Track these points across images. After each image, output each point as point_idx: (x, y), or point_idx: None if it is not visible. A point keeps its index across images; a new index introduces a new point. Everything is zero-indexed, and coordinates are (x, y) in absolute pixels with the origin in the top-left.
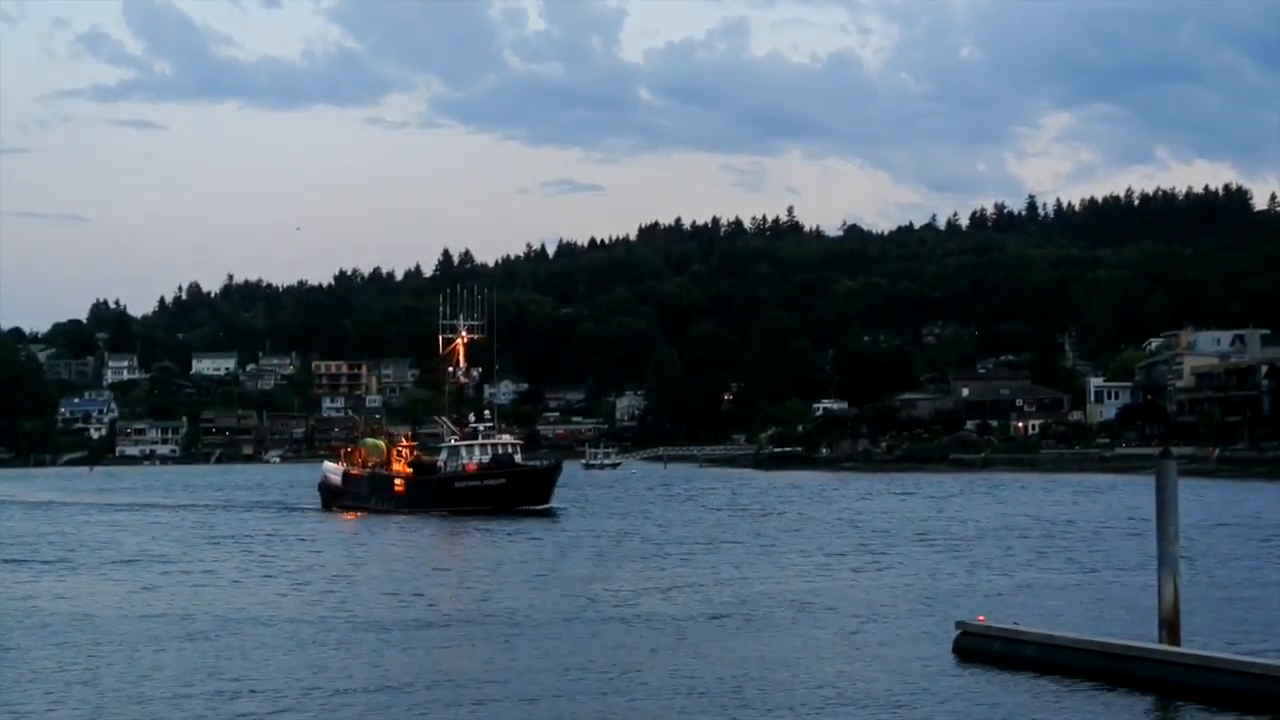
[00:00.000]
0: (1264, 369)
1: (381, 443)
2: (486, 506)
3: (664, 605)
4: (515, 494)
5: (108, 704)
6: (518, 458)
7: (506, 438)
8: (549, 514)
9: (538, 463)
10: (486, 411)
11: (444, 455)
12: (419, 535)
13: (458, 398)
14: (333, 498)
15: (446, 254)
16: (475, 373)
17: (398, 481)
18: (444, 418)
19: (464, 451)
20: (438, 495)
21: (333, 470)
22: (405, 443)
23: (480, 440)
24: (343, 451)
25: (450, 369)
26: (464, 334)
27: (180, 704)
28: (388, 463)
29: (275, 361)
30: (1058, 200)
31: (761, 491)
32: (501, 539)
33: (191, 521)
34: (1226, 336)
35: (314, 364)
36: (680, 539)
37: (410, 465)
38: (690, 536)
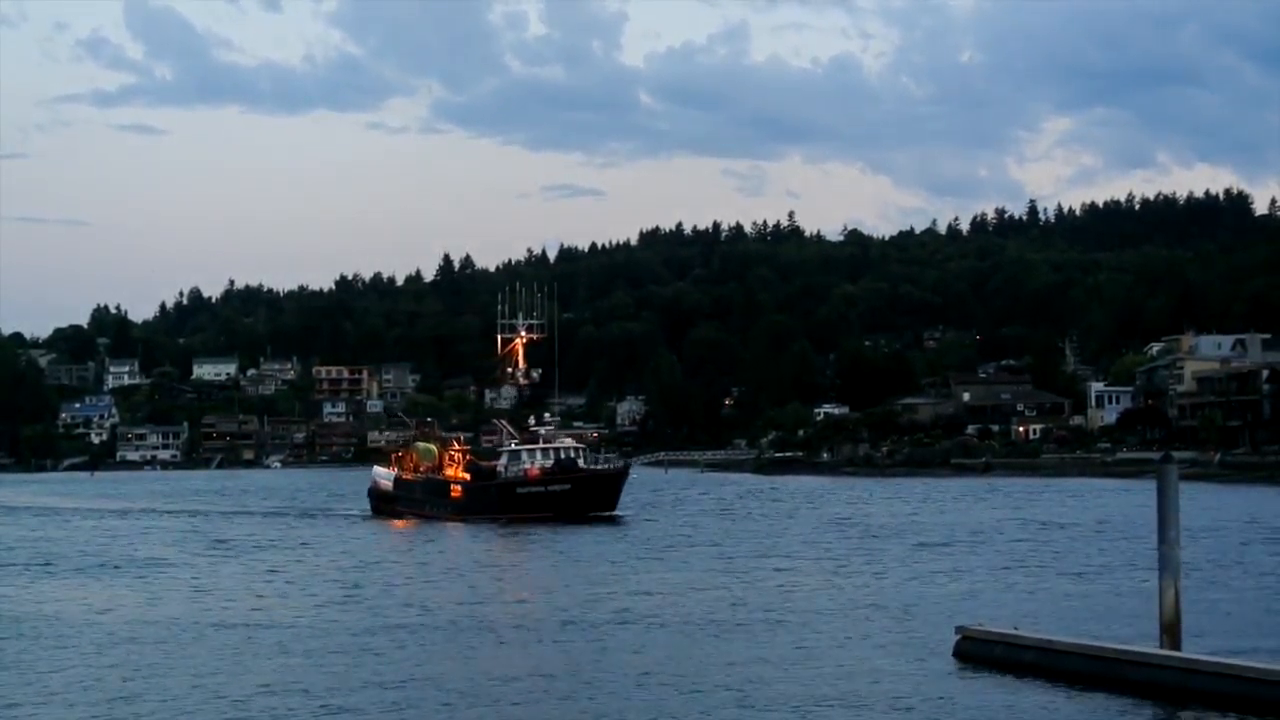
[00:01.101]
0: (1265, 373)
1: (434, 446)
2: (550, 513)
3: (664, 607)
4: (581, 500)
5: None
6: (581, 461)
7: (569, 440)
8: (615, 520)
9: (606, 465)
10: (547, 414)
11: (504, 459)
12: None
13: (517, 401)
14: (383, 503)
15: (447, 258)
16: (535, 374)
17: (455, 487)
18: (503, 421)
19: (525, 455)
20: (498, 501)
21: (383, 475)
22: (458, 446)
23: (542, 444)
24: (394, 456)
25: (509, 370)
26: (523, 333)
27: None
28: (440, 467)
29: (276, 366)
30: (1059, 204)
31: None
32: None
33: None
34: (1227, 340)
35: (315, 368)
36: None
37: (468, 470)
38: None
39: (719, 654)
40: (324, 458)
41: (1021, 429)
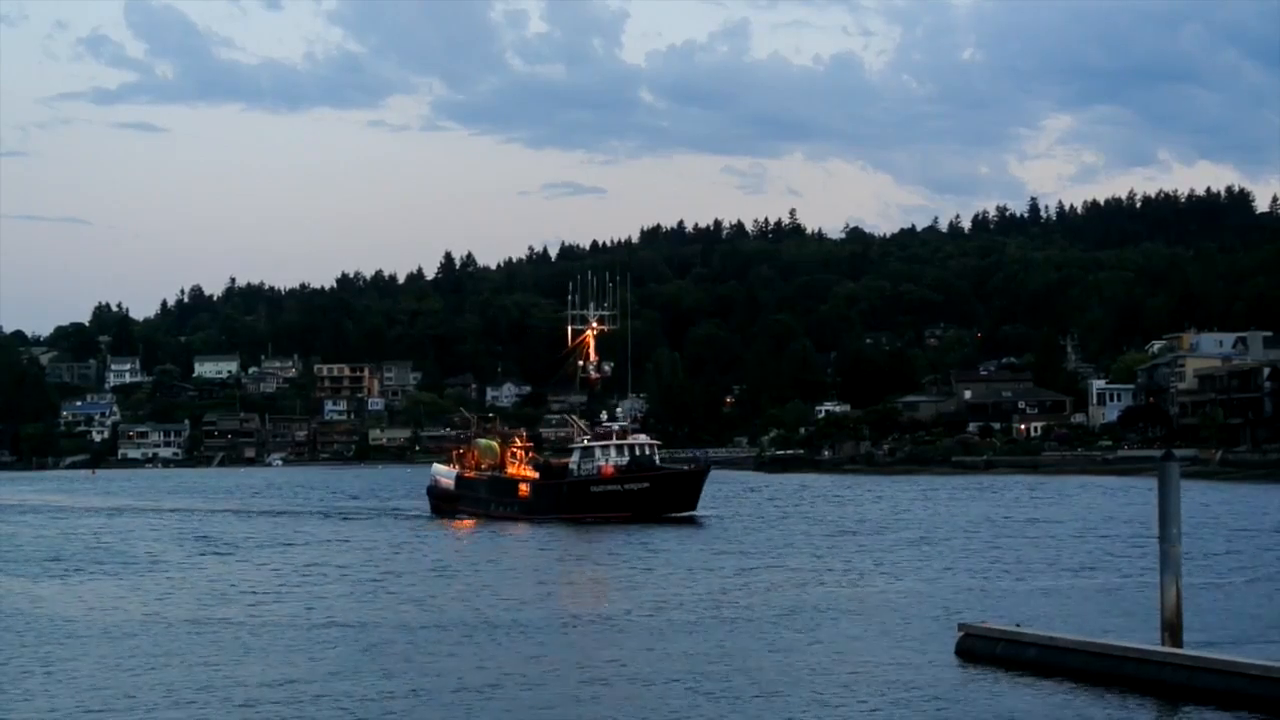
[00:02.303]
0: (1266, 371)
1: (495, 443)
2: (626, 513)
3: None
4: (660, 499)
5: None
6: (656, 459)
7: (643, 438)
8: (694, 521)
9: (685, 464)
10: (619, 409)
11: (576, 457)
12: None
13: (589, 396)
14: (444, 502)
15: (448, 256)
16: (606, 368)
17: (522, 485)
18: (574, 416)
19: (599, 453)
20: (570, 501)
21: (444, 473)
22: (520, 443)
23: (615, 440)
24: (454, 453)
25: (579, 363)
26: (594, 325)
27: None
28: (502, 465)
29: (277, 364)
30: (1059, 202)
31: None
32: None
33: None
34: (1228, 338)
35: (316, 367)
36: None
37: (536, 468)
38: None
39: (733, 649)
40: (325, 456)
41: (1023, 427)
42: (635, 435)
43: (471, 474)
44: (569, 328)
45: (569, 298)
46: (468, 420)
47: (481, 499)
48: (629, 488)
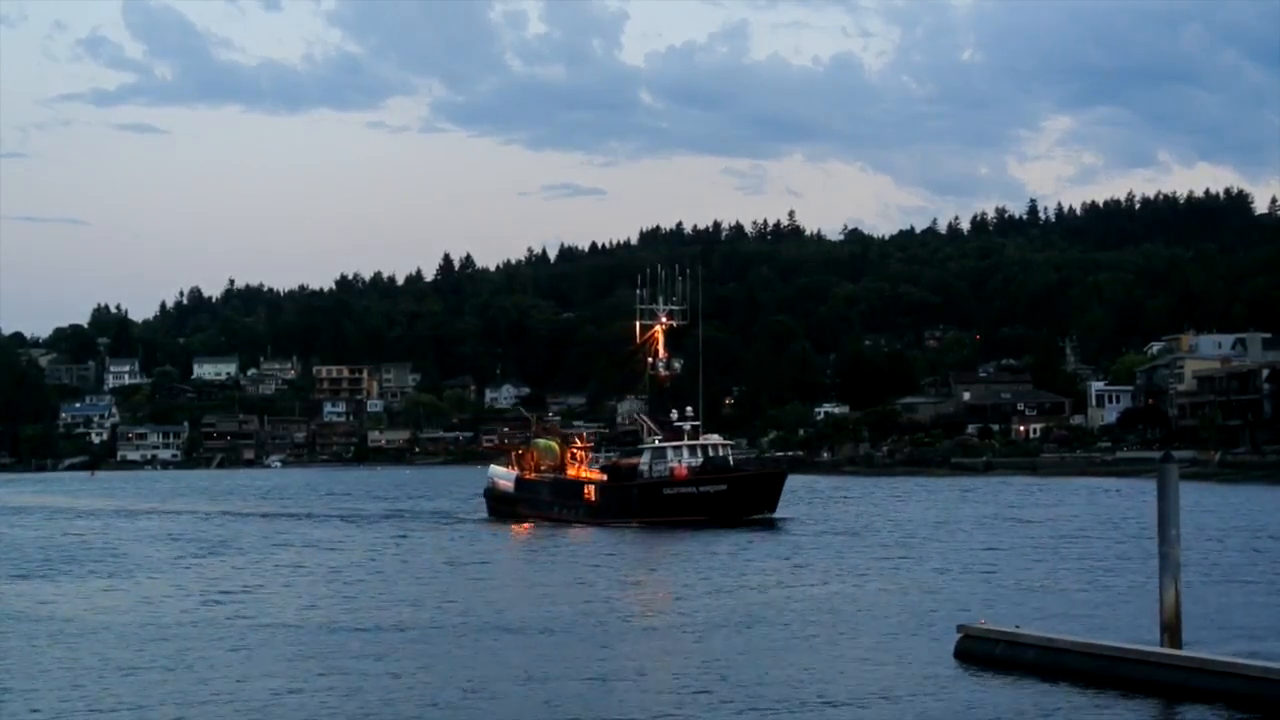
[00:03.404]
0: (1265, 372)
1: (555, 444)
2: (701, 516)
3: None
4: (738, 502)
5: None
6: (730, 460)
7: (715, 438)
8: (773, 524)
9: (765, 466)
10: (690, 409)
11: (646, 458)
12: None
13: (655, 392)
14: (503, 505)
15: (447, 258)
16: (676, 365)
17: (589, 488)
18: (643, 415)
19: (671, 453)
20: (641, 503)
21: (503, 475)
22: (580, 444)
23: (688, 440)
24: (513, 454)
25: (649, 360)
26: (663, 319)
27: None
28: (562, 466)
29: (276, 366)
30: (1059, 203)
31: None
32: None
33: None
34: (1228, 340)
35: (315, 368)
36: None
37: (604, 469)
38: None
39: (721, 654)
40: (324, 457)
41: (1022, 428)
42: (707, 436)
43: (532, 476)
44: (636, 323)
45: (637, 291)
46: (527, 420)
47: (544, 502)
48: (705, 490)
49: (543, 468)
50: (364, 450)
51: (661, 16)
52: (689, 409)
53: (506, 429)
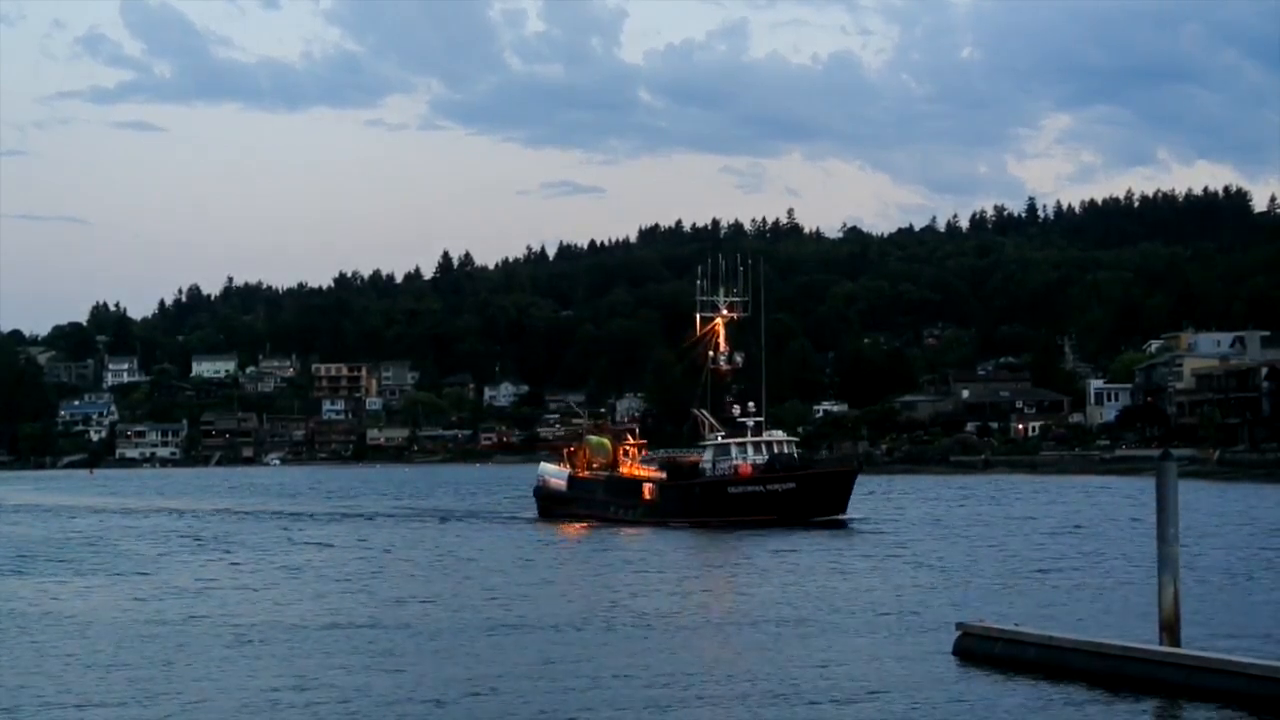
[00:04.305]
0: (1264, 371)
1: (607, 441)
2: (769, 516)
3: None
4: (807, 501)
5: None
6: (796, 458)
7: (779, 434)
8: (843, 525)
9: (834, 464)
10: (751, 404)
11: (708, 455)
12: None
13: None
14: (554, 505)
15: (446, 256)
16: (738, 358)
17: (647, 486)
18: (704, 411)
19: (735, 451)
20: (704, 503)
21: (554, 473)
22: (632, 441)
23: (752, 437)
24: (565, 452)
25: (709, 354)
26: (724, 311)
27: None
28: (614, 464)
29: (275, 364)
30: (1058, 201)
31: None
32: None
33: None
34: (1226, 338)
35: (314, 366)
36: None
37: (663, 467)
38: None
39: (723, 652)
40: (323, 455)
41: (1020, 426)
42: (771, 432)
43: (586, 474)
44: (696, 315)
45: (697, 282)
46: (576, 415)
47: (598, 501)
48: (772, 488)
49: (594, 465)
50: (363, 448)
51: (660, 15)
52: (751, 404)
53: (557, 422)
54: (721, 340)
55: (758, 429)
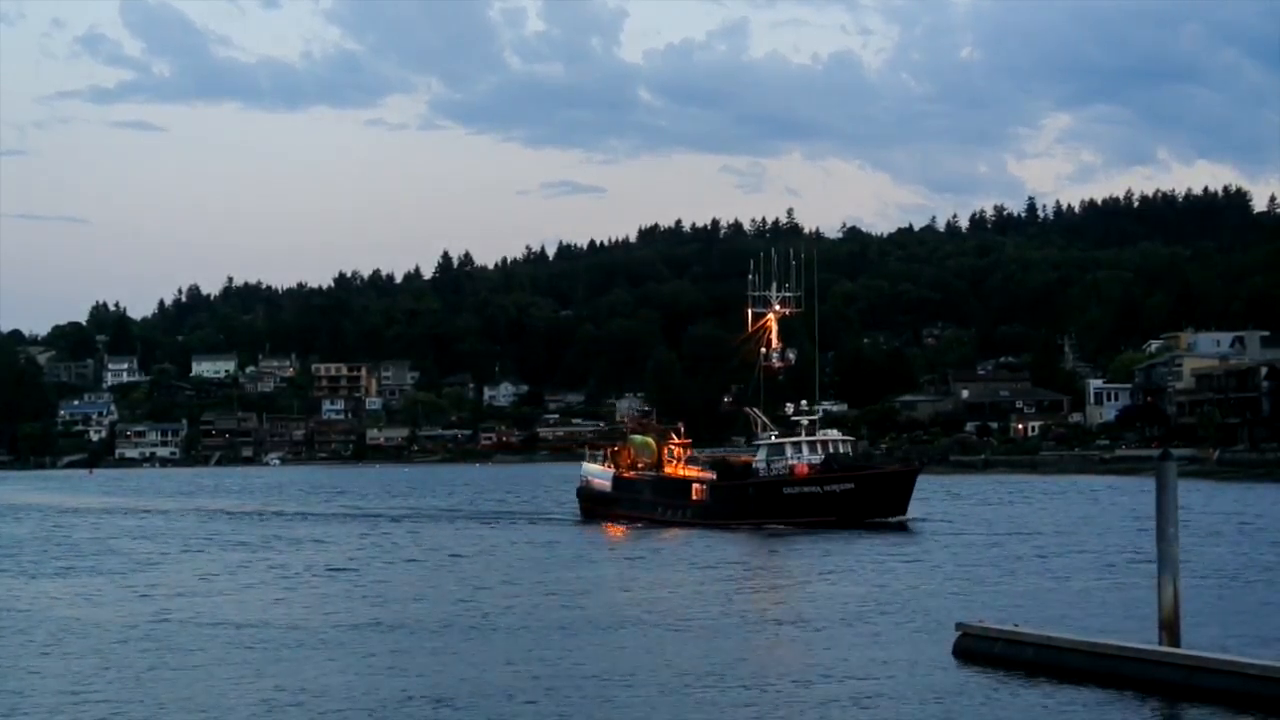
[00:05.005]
0: (1264, 370)
1: (651, 440)
2: (829, 517)
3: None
4: (866, 502)
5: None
6: (852, 457)
7: (834, 433)
8: (905, 527)
9: (895, 464)
10: (804, 402)
11: (762, 455)
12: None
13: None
14: (598, 505)
15: (446, 256)
16: (790, 354)
17: (697, 486)
18: (756, 410)
19: (790, 450)
20: (758, 504)
21: (598, 473)
22: (677, 440)
23: (806, 436)
24: (608, 451)
25: (762, 350)
26: (776, 307)
27: None
28: (659, 464)
29: (275, 364)
30: (1057, 201)
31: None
32: None
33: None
34: (1226, 338)
35: (313, 366)
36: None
37: (712, 467)
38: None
39: (720, 651)
40: (322, 455)
41: (1020, 426)
42: (826, 431)
43: (631, 474)
44: (748, 310)
45: (749, 277)
46: (621, 415)
47: (645, 501)
48: (830, 489)
49: (639, 465)
50: (362, 448)
51: (660, 14)
52: (804, 402)
53: (598, 429)
54: (774, 337)
55: (812, 428)
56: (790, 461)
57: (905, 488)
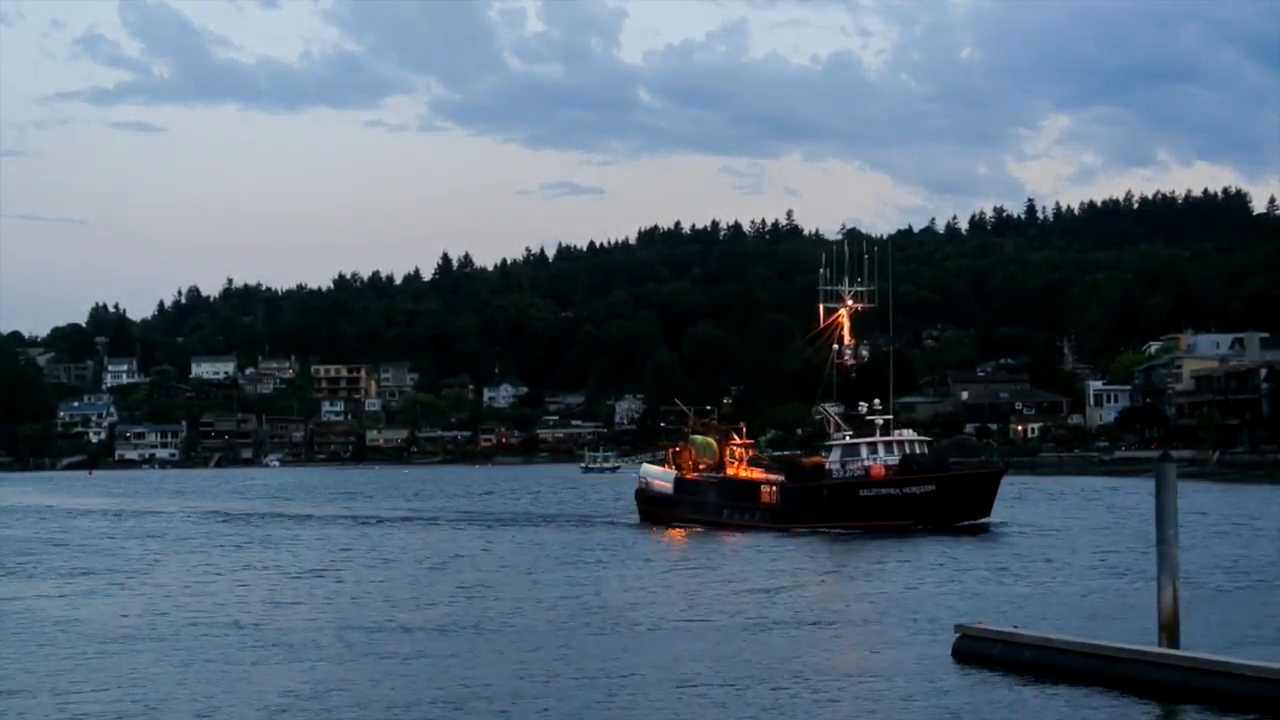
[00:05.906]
0: (1263, 372)
1: (713, 441)
2: (908, 520)
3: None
4: (948, 504)
5: None
6: (928, 458)
7: (909, 433)
8: (986, 530)
9: (977, 465)
10: (877, 400)
11: (835, 455)
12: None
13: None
14: (659, 508)
15: (445, 257)
16: (864, 352)
17: (765, 489)
18: (827, 406)
19: (865, 451)
20: (832, 506)
21: (658, 475)
22: (739, 441)
23: (881, 437)
24: (670, 452)
25: (834, 347)
26: (849, 302)
27: None
28: (720, 465)
29: (274, 365)
30: (1057, 203)
31: None
32: None
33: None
34: (1226, 339)
35: (313, 367)
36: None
37: (782, 468)
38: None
39: (719, 653)
40: (322, 457)
41: (1020, 428)
42: (900, 431)
43: (694, 476)
44: (820, 305)
45: (820, 271)
46: (684, 414)
47: (709, 504)
48: (909, 491)
49: (700, 466)
50: (362, 449)
51: (660, 15)
52: (877, 401)
53: (664, 424)
54: (846, 333)
55: (886, 427)
56: (865, 463)
57: (989, 489)
